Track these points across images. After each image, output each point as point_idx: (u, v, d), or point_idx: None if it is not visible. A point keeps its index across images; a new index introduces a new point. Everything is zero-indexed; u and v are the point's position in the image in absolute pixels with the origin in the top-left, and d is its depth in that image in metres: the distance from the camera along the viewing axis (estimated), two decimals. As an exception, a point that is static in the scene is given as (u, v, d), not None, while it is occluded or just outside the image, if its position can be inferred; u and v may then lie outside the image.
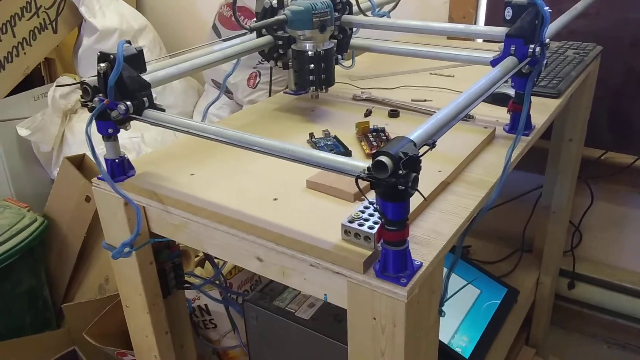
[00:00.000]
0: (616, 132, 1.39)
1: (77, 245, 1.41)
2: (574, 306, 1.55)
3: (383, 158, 0.49)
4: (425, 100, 1.00)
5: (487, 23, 1.49)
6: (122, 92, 0.69)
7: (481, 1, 1.47)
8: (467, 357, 1.15)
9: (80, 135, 1.69)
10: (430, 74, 1.16)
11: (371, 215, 0.60)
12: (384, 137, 0.82)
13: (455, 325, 1.20)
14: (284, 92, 1.08)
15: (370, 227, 0.58)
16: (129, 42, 0.71)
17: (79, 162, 1.44)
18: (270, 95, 1.42)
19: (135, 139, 1.65)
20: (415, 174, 0.51)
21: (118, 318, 1.14)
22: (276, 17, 0.85)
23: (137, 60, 0.71)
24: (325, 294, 0.62)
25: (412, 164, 0.50)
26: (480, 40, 1.41)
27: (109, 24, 1.71)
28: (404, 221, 0.53)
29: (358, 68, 1.17)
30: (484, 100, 1.00)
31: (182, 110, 1.94)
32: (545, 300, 1.48)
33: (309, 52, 0.86)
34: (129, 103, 0.68)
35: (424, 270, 0.57)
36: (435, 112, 0.92)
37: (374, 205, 0.57)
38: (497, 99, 0.96)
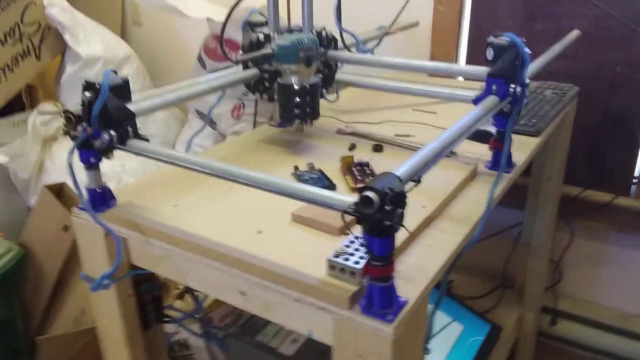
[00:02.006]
0: (594, 170, 1.42)
1: (53, 276, 1.38)
2: (556, 343, 1.54)
3: (369, 193, 0.49)
4: (408, 136, 1.01)
5: (468, 61, 1.53)
6: (106, 121, 0.68)
7: (462, 40, 1.51)
8: (449, 394, 1.13)
9: (60, 163, 1.67)
10: (413, 109, 1.18)
11: (357, 249, 0.59)
12: (368, 172, 0.82)
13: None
14: (269, 124, 1.09)
15: (356, 262, 0.57)
16: (114, 71, 0.71)
17: (58, 191, 1.42)
18: (254, 127, 1.42)
19: (117, 169, 1.63)
20: (401, 210, 0.51)
21: (94, 352, 1.10)
22: (263, 51, 0.86)
23: (122, 90, 0.70)
24: (309, 330, 0.61)
25: (398, 199, 0.50)
26: (461, 78, 1.44)
27: (93, 52, 1.71)
28: (390, 257, 0.53)
29: (342, 102, 1.19)
30: (468, 138, 1.03)
31: (165, 139, 1.94)
32: (528, 336, 1.48)
33: (295, 86, 0.87)
34: (113, 132, 0.68)
35: (410, 306, 0.56)
36: (419, 147, 0.93)
37: (360, 240, 0.57)
38: (478, 136, 0.97)
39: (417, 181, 0.54)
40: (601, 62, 1.33)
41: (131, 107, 0.71)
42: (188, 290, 0.97)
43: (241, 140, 1.02)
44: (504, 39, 0.76)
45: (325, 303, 0.58)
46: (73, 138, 0.71)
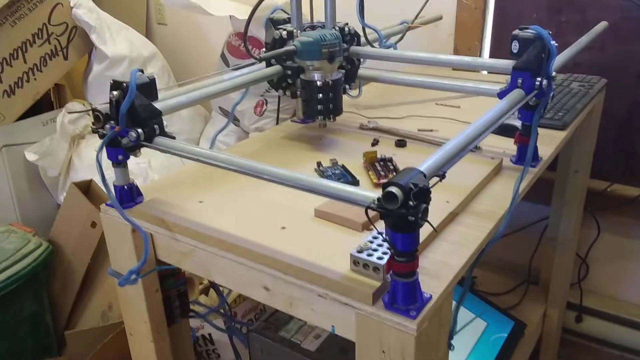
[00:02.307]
0: (622, 164, 1.39)
1: (81, 271, 1.41)
2: (581, 340, 1.52)
3: (393, 189, 0.49)
4: (431, 130, 1.01)
5: (491, 55, 1.51)
6: (133, 119, 0.69)
7: (486, 34, 1.49)
8: (473, 391, 1.13)
9: (88, 161, 1.70)
10: (436, 104, 1.17)
11: (380, 245, 0.59)
12: (391, 167, 0.82)
13: (462, 359, 1.18)
14: (291, 121, 1.09)
15: (379, 258, 0.57)
16: (141, 70, 0.72)
17: (85, 188, 1.45)
18: (277, 124, 1.43)
19: (143, 165, 1.66)
20: (425, 205, 0.51)
21: (121, 346, 1.12)
22: (286, 48, 0.86)
23: (149, 89, 0.71)
24: (332, 326, 0.62)
25: (422, 195, 0.50)
26: (485, 72, 1.43)
27: (119, 52, 1.74)
28: (414, 252, 0.53)
29: (364, 97, 1.18)
30: (492, 132, 1.02)
31: (189, 136, 1.96)
32: (552, 333, 1.46)
33: (318, 82, 0.87)
34: (140, 130, 0.69)
35: (433, 302, 0.56)
36: (442, 142, 0.93)
37: (383, 235, 0.57)
38: (503, 130, 0.96)
39: (442, 176, 0.54)
40: (629, 53, 1.30)
41: (157, 105, 0.72)
42: (213, 285, 0.98)
43: (264, 137, 1.02)
44: (529, 32, 0.75)
45: (349, 298, 0.58)
46: (101, 136, 0.72)
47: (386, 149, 0.92)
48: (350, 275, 0.59)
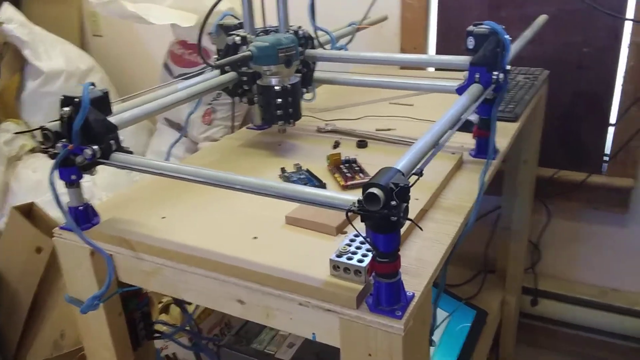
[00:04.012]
0: (567, 151, 1.45)
1: (28, 300, 1.33)
2: (538, 322, 1.57)
3: (374, 190, 0.48)
4: (389, 130, 1.01)
5: (437, 52, 1.54)
6: (88, 136, 0.65)
7: (430, 32, 1.52)
8: (445, 384, 1.14)
9: (26, 183, 1.61)
10: (390, 103, 1.18)
11: (358, 248, 0.59)
12: (356, 168, 0.82)
13: (430, 352, 1.19)
14: (247, 128, 1.07)
15: (360, 261, 0.56)
16: (92, 84, 0.68)
17: (27, 212, 1.37)
18: (232, 132, 1.40)
19: (87, 183, 1.58)
20: (406, 204, 0.50)
21: (80, 375, 1.07)
22: (242, 54, 0.84)
23: (102, 103, 0.68)
24: (313, 333, 0.60)
25: (403, 194, 0.50)
26: (431, 69, 1.45)
27: (55, 66, 1.66)
28: (396, 252, 0.53)
29: (318, 100, 1.18)
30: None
31: (134, 151, 1.89)
32: (511, 319, 1.51)
33: (276, 87, 0.86)
34: (95, 147, 0.65)
35: (416, 300, 0.56)
36: (403, 140, 0.94)
37: (360, 238, 0.56)
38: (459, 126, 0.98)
39: (419, 174, 0.54)
40: (568, 44, 1.36)
41: (112, 119, 0.68)
42: (177, 303, 0.95)
43: (221, 146, 1.00)
44: (484, 27, 0.76)
45: (331, 304, 0.57)
46: (52, 156, 0.68)
47: (348, 150, 0.91)
48: (331, 280, 0.57)
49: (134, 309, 0.80)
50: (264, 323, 0.65)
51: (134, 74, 2.05)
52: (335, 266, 0.57)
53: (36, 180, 1.59)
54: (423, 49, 1.50)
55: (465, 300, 1.40)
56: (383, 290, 0.54)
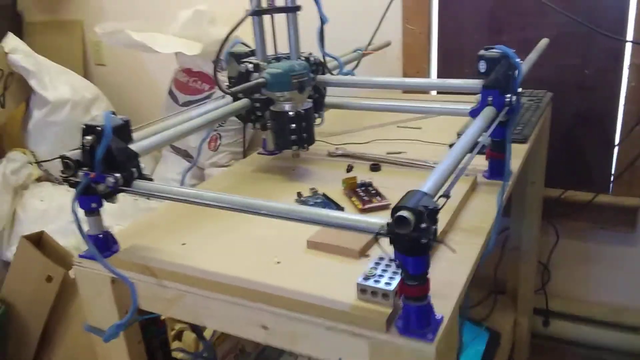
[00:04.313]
0: (574, 172, 1.46)
1: (38, 330, 1.32)
2: (550, 342, 1.57)
3: (405, 213, 0.49)
4: (400, 153, 1.02)
5: (438, 76, 1.56)
6: (110, 164, 0.66)
7: (432, 57, 1.54)
8: (461, 407, 1.13)
9: (33, 212, 1.61)
10: (398, 127, 1.19)
11: (385, 270, 0.59)
12: (373, 192, 0.82)
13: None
14: (258, 153, 1.08)
15: (387, 284, 0.57)
16: (113, 112, 0.69)
17: (36, 241, 1.36)
18: (244, 157, 1.41)
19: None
20: (435, 227, 0.51)
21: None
22: (256, 81, 0.85)
23: (124, 131, 0.68)
24: (340, 358, 0.60)
25: (433, 216, 0.50)
26: (433, 93, 1.47)
27: (61, 96, 1.67)
28: (425, 275, 0.53)
29: (325, 125, 1.19)
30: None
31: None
32: (523, 339, 1.50)
33: (290, 113, 0.87)
34: (118, 175, 0.66)
35: (445, 323, 0.56)
36: (416, 163, 0.94)
37: (386, 261, 0.57)
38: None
39: (447, 196, 0.54)
40: (568, 66, 1.38)
41: (133, 147, 0.69)
42: (195, 329, 0.94)
43: (234, 172, 1.00)
44: (495, 51, 0.78)
45: (360, 328, 0.56)
46: (73, 185, 0.68)
47: (361, 173, 0.92)
48: (359, 304, 0.57)
49: (152, 337, 0.80)
50: (289, 348, 0.65)
51: (137, 102, 2.07)
52: (362, 290, 0.57)
53: (43, 210, 1.59)
54: (425, 73, 1.52)
55: (478, 322, 1.39)
56: (413, 313, 0.54)
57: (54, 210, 1.58)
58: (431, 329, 0.54)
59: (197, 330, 0.92)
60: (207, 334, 1.11)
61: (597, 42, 1.34)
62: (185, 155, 1.80)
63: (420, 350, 0.53)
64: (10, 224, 1.60)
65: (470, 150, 0.66)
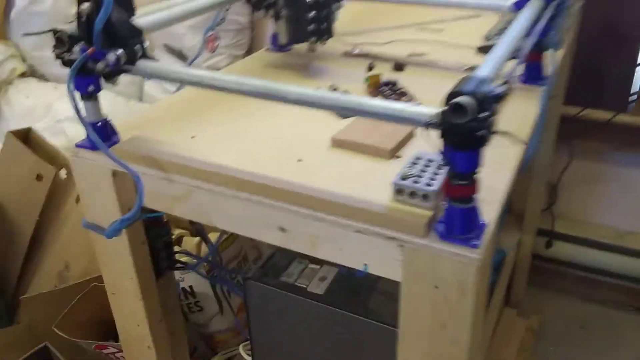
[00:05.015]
0: (593, 89, 1.38)
1: (28, 230, 1.26)
2: (551, 265, 1.56)
3: (463, 99, 0.42)
4: (423, 54, 0.93)
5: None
6: (109, 39, 0.57)
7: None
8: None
9: (19, 108, 1.52)
10: (418, 28, 1.09)
11: (423, 171, 0.53)
12: (399, 91, 0.75)
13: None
14: (266, 50, 0.98)
15: (427, 185, 0.51)
16: (113, -21, 0.59)
17: (24, 137, 1.28)
18: (248, 53, 1.31)
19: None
20: (493, 118, 0.44)
21: (90, 307, 1.02)
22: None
23: (125, 2, 0.59)
24: (365, 264, 0.55)
25: (495, 104, 0.43)
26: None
27: (46, -18, 1.52)
28: (475, 173, 0.47)
29: (339, 23, 1.09)
30: (481, 52, 0.96)
31: (131, 79, 1.79)
32: (525, 259, 1.49)
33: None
34: (120, 52, 0.57)
35: (489, 229, 0.50)
36: (443, 65, 0.86)
37: (424, 160, 0.51)
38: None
39: (508, 84, 0.47)
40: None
41: (137, 22, 0.60)
42: (199, 232, 0.89)
43: (242, 67, 0.92)
44: None
45: (394, 232, 0.51)
46: (67, 62, 0.60)
47: (384, 74, 0.84)
48: (393, 205, 0.52)
49: (156, 238, 0.75)
50: (308, 253, 0.60)
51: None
52: (399, 190, 0.51)
53: (29, 107, 1.50)
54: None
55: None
56: (458, 217, 0.48)
57: (40, 108, 1.49)
58: (475, 234, 0.49)
59: (202, 233, 0.87)
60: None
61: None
62: (180, 56, 1.69)
63: (463, 257, 0.48)
64: (-6, 121, 1.51)
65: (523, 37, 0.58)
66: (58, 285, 1.21)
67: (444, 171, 0.51)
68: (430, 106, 0.46)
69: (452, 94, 0.43)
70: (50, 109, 1.47)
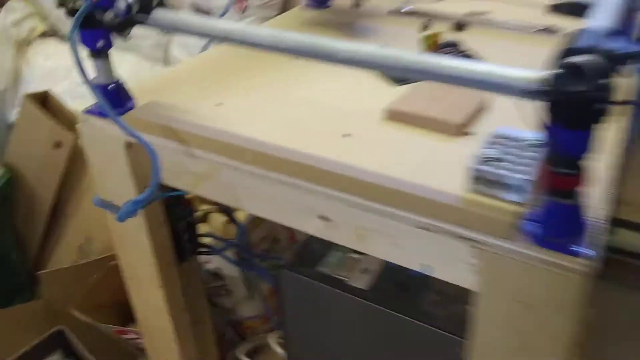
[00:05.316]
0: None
1: (48, 200, 1.19)
2: (609, 254, 1.43)
3: (584, 59, 0.30)
4: (484, 13, 0.80)
5: None
6: (119, -18, 0.47)
7: None
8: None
9: (40, 70, 1.43)
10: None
11: (505, 153, 0.41)
12: (464, 53, 0.63)
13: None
14: (304, 6, 0.87)
15: (515, 171, 0.39)
16: None
17: (41, 101, 1.20)
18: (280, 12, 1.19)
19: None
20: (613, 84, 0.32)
21: (110, 286, 0.94)
22: None
23: (138, -63, 0.48)
24: (424, 265, 0.45)
25: (623, 65, 0.32)
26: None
27: None
28: (586, 160, 0.36)
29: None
30: (558, 12, 0.83)
31: (156, 41, 1.68)
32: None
33: (359, -59, 0.65)
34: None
35: (598, 232, 0.39)
36: (509, 25, 0.74)
37: (509, 140, 0.39)
38: (573, 9, 0.79)
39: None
40: None
41: (153, -38, 0.49)
42: (226, 211, 0.80)
43: (277, 24, 0.80)
44: None
45: (470, 231, 0.40)
46: (71, 12, 0.50)
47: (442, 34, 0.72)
48: (470, 197, 0.41)
49: (177, 218, 0.65)
50: (352, 246, 0.50)
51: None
52: (477, 178, 0.40)
53: (50, 68, 1.41)
54: None
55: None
56: (558, 215, 0.37)
57: (62, 70, 1.40)
58: (578, 238, 0.38)
59: (229, 212, 0.78)
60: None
61: None
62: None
63: (562, 268, 0.37)
64: (14, 83, 1.43)
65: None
66: (79, 260, 1.14)
67: (533, 154, 0.40)
68: (532, 69, 0.34)
69: (568, 51, 0.31)
70: (72, 71, 1.38)
